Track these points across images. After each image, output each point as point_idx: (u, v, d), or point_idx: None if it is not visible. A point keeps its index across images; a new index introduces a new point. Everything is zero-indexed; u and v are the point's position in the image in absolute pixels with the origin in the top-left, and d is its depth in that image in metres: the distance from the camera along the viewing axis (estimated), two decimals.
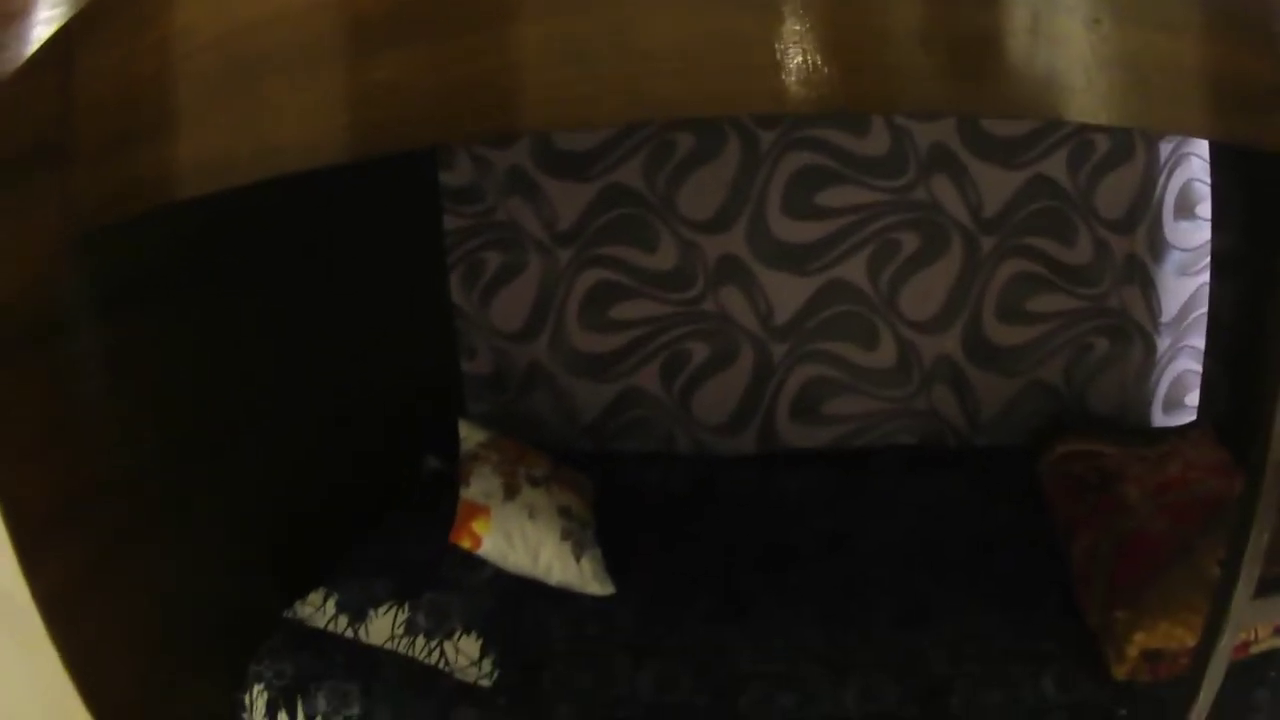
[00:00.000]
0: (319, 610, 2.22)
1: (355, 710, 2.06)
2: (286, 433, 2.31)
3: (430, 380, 3.15)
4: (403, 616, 2.20)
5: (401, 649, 2.18)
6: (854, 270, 3.07)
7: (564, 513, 2.56)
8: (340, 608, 2.21)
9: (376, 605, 2.21)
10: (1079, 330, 3.17)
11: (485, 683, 2.15)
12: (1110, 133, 3.04)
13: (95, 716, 1.70)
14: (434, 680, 2.14)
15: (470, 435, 2.69)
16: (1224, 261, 3.16)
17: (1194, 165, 3.09)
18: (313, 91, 1.35)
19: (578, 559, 2.46)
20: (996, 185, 3.04)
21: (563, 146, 3.03)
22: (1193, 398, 3.25)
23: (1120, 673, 2.16)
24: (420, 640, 2.18)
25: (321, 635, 2.20)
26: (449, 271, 3.16)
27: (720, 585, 2.54)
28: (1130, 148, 3.04)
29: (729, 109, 1.98)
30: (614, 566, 2.54)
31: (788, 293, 3.09)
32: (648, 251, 3.08)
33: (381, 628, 2.19)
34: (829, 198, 3.02)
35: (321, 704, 2.06)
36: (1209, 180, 3.12)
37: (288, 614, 2.22)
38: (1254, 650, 2.15)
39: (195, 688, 2.04)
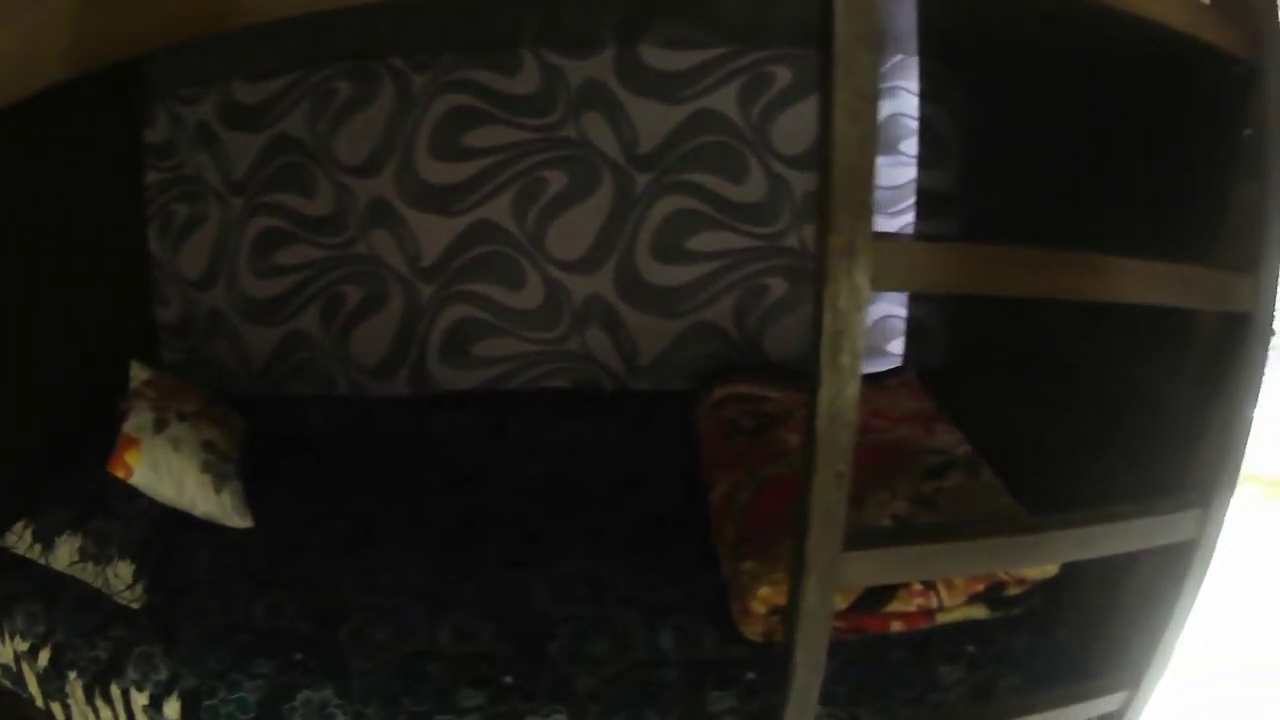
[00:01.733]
0: (20, 539, 2.37)
1: (40, 629, 2.18)
2: (3, 375, 2.49)
3: (131, 328, 3.27)
4: (77, 544, 2.32)
5: (78, 574, 2.30)
6: (498, 210, 3.02)
7: (207, 446, 2.63)
8: (35, 537, 2.36)
9: (59, 533, 2.35)
10: (750, 270, 3.03)
11: (136, 605, 2.24)
12: (793, 66, 2.92)
13: None
14: (98, 603, 2.24)
15: (137, 374, 2.80)
16: (933, 200, 3.00)
17: (902, 99, 2.95)
18: None
19: (218, 491, 2.54)
20: (654, 121, 2.96)
21: (242, 99, 3.09)
22: (898, 345, 3.09)
23: (752, 631, 1.99)
24: (90, 565, 2.30)
25: (23, 562, 2.35)
26: (147, 225, 3.25)
27: (345, 521, 2.58)
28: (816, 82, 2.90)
29: None
30: (266, 504, 2.61)
31: (434, 234, 3.06)
32: (307, 197, 3.11)
33: (63, 555, 2.32)
34: (475, 138, 3.00)
35: (19, 624, 2.20)
36: (918, 115, 2.96)
37: (0, 543, 2.39)
38: (941, 619, 1.96)
39: None
